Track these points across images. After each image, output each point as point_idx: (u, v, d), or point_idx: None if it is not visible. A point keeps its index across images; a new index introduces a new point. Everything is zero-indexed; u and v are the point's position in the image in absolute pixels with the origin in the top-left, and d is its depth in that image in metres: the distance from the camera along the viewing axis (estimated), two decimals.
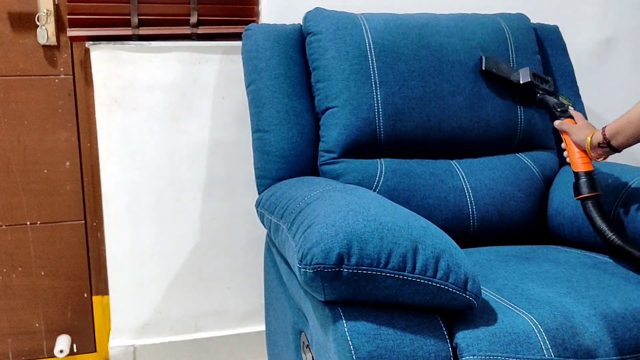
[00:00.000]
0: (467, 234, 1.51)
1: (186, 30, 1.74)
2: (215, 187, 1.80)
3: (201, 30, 1.74)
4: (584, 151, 1.38)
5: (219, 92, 1.76)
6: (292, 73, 1.55)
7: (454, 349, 1.00)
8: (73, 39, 1.68)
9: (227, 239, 1.83)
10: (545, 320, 1.04)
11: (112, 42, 1.67)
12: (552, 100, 1.53)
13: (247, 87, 1.57)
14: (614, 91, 2.08)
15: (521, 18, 1.69)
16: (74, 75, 1.77)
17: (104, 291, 1.89)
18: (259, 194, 1.53)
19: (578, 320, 1.05)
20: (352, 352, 0.95)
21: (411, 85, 1.52)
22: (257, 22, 1.79)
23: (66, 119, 1.78)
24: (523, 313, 1.05)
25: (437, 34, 1.58)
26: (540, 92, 1.57)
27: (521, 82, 1.57)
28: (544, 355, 1.00)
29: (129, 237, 1.76)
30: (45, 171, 1.78)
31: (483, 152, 1.61)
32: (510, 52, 1.62)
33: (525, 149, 1.64)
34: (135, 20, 1.69)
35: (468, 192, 1.51)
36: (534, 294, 1.12)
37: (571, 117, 1.46)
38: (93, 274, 1.88)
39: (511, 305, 1.09)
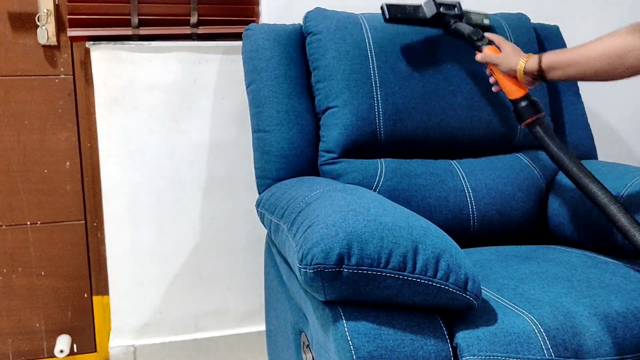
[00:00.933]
0: (467, 234, 1.51)
1: (186, 30, 1.74)
2: (215, 187, 1.80)
3: (201, 30, 1.74)
4: (515, 78, 1.35)
5: (219, 92, 1.76)
6: (292, 73, 1.55)
7: (454, 349, 1.00)
8: (73, 39, 1.68)
9: (227, 239, 1.83)
10: (545, 320, 1.04)
11: (112, 42, 1.67)
12: (466, 28, 1.46)
13: (247, 87, 1.57)
14: (614, 91, 2.08)
15: (521, 18, 1.69)
16: (74, 75, 1.77)
17: (104, 291, 1.89)
18: (259, 194, 1.53)
19: (578, 320, 1.05)
20: (352, 352, 0.95)
21: (411, 84, 1.52)
22: (257, 22, 1.79)
23: (66, 119, 1.78)
24: (523, 313, 1.05)
25: (437, 33, 1.58)
26: (452, 20, 1.50)
27: (428, 17, 1.51)
28: (544, 355, 1.00)
29: (129, 237, 1.76)
30: (46, 171, 1.78)
31: (483, 152, 1.61)
32: None
33: (526, 149, 1.64)
34: (135, 20, 1.69)
35: (468, 192, 1.51)
36: (535, 294, 1.12)
37: (491, 42, 1.43)
38: (93, 274, 1.88)
39: (511, 305, 1.09)
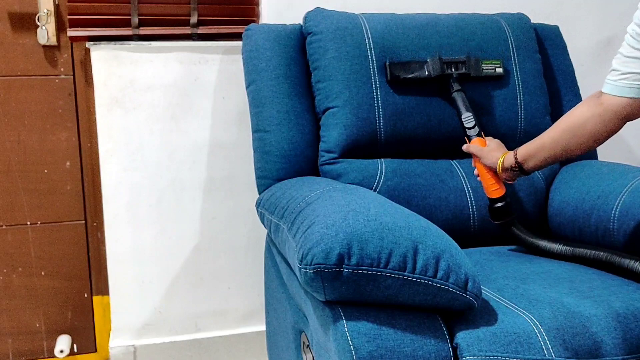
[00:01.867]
0: (467, 234, 1.51)
1: (186, 30, 1.74)
2: (215, 187, 1.80)
3: (201, 30, 1.74)
4: (496, 174, 1.38)
5: (219, 92, 1.76)
6: (292, 73, 1.55)
7: (454, 349, 1.00)
8: (73, 39, 1.68)
9: (227, 239, 1.83)
10: (546, 321, 1.04)
11: (113, 42, 1.67)
12: (462, 106, 1.46)
13: (247, 87, 1.57)
14: None
15: (521, 18, 1.69)
16: (74, 75, 1.77)
17: (104, 291, 1.89)
18: (259, 194, 1.53)
19: (579, 320, 1.05)
20: (353, 352, 0.95)
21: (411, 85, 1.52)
22: (257, 22, 1.79)
23: (66, 119, 1.78)
24: (524, 313, 1.05)
25: (437, 33, 1.58)
26: (454, 85, 1.49)
27: (433, 76, 1.49)
28: (545, 356, 1.00)
29: (129, 237, 1.76)
30: (46, 171, 1.78)
31: None
32: (511, 51, 1.62)
33: None
34: (135, 20, 1.69)
35: (468, 192, 1.51)
36: (535, 294, 1.12)
37: (480, 134, 1.45)
38: (93, 274, 1.87)
39: (512, 306, 1.09)
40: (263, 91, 1.53)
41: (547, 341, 1.01)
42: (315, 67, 1.53)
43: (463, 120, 1.46)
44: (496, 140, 1.42)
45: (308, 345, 1.19)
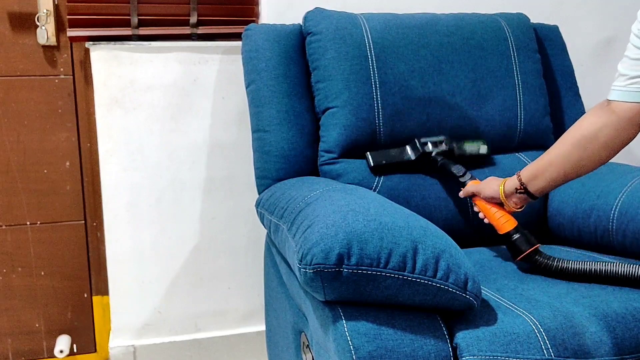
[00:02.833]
0: (467, 234, 1.51)
1: (186, 30, 1.74)
2: (215, 187, 1.80)
3: (201, 30, 1.74)
4: (502, 206, 1.29)
5: (219, 92, 1.76)
6: (292, 73, 1.55)
7: (454, 349, 1.00)
8: (73, 39, 1.68)
9: (227, 239, 1.83)
10: (545, 321, 1.04)
11: (112, 42, 1.67)
12: (450, 165, 1.44)
13: (247, 87, 1.57)
14: None
15: (521, 18, 1.69)
16: (74, 75, 1.77)
17: (104, 291, 1.89)
18: (259, 194, 1.53)
19: (578, 320, 1.05)
20: (352, 352, 0.95)
21: (411, 85, 1.52)
22: (257, 22, 1.79)
23: (66, 119, 1.78)
24: (523, 313, 1.05)
25: (436, 33, 1.58)
26: (439, 158, 1.46)
27: (413, 159, 1.47)
28: (544, 355, 1.00)
29: (129, 237, 1.76)
30: (45, 171, 1.78)
31: None
32: (511, 51, 1.62)
33: (525, 149, 1.64)
34: (135, 20, 1.69)
35: None
36: (534, 294, 1.12)
37: (473, 177, 1.40)
38: (93, 274, 1.87)
39: (511, 306, 1.09)
40: (263, 91, 1.53)
41: (547, 341, 1.01)
42: (314, 67, 1.53)
43: (454, 172, 1.42)
44: (493, 177, 1.35)
45: (308, 345, 1.19)
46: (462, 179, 1.41)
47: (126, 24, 1.69)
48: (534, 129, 1.62)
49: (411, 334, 0.98)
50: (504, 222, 1.27)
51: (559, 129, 1.70)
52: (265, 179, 1.51)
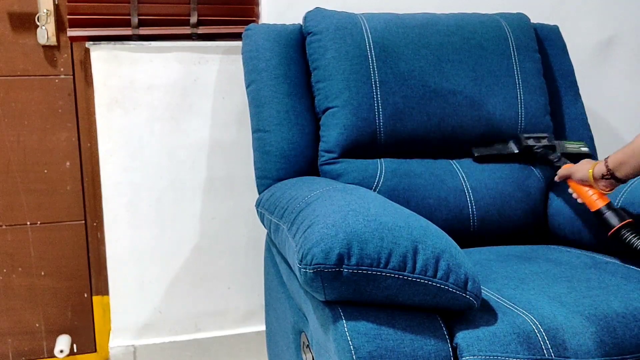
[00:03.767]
0: (467, 234, 1.51)
1: (186, 30, 1.74)
2: (215, 187, 1.80)
3: (201, 30, 1.74)
4: (592, 187, 1.34)
5: (219, 92, 1.76)
6: (292, 73, 1.55)
7: (454, 349, 1.00)
8: (73, 39, 1.68)
9: (227, 239, 1.83)
10: (545, 320, 1.04)
11: (112, 42, 1.67)
12: (549, 154, 1.53)
13: (247, 87, 1.57)
14: (614, 91, 2.08)
15: (521, 17, 1.69)
16: (74, 75, 1.77)
17: (104, 291, 1.89)
18: (259, 194, 1.53)
19: (578, 320, 1.05)
20: (352, 352, 0.95)
21: (411, 84, 1.52)
22: (257, 22, 1.79)
23: (66, 119, 1.78)
24: (523, 313, 1.05)
25: (437, 33, 1.58)
26: (541, 149, 1.56)
27: (516, 152, 1.57)
28: (544, 355, 1.00)
29: (129, 237, 1.76)
30: (45, 171, 1.78)
31: None
32: (511, 50, 1.62)
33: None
34: (135, 20, 1.69)
35: (468, 192, 1.51)
36: (534, 294, 1.12)
37: (566, 162, 1.46)
38: (93, 274, 1.88)
39: (511, 305, 1.09)
40: (263, 91, 1.53)
41: (547, 341, 1.01)
42: (315, 67, 1.53)
43: (550, 159, 1.52)
44: (586, 158, 1.42)
45: (308, 345, 1.19)
46: (557, 164, 1.50)
47: (126, 24, 1.69)
48: (535, 129, 1.62)
49: (411, 334, 0.98)
50: (595, 199, 1.34)
51: (559, 129, 1.71)
52: (266, 179, 1.51)
